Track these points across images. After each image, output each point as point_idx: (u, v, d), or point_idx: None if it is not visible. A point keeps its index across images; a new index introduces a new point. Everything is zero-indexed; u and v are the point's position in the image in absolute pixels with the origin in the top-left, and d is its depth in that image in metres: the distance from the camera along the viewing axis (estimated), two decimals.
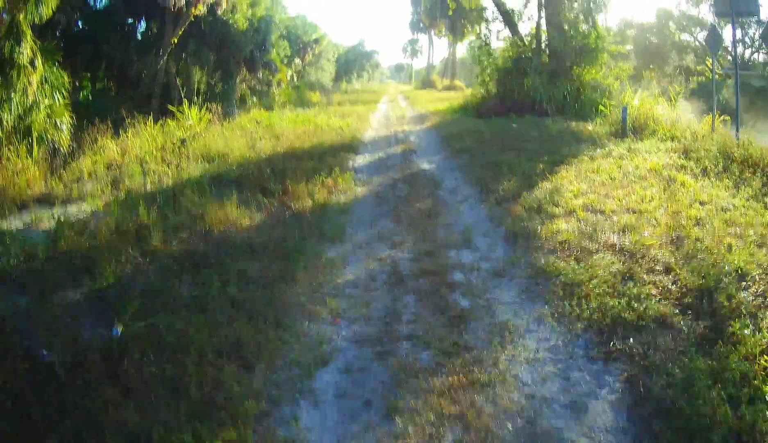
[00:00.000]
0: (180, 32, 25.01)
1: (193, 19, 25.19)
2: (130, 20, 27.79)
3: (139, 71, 27.16)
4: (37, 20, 11.03)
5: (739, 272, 4.54)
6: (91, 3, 23.16)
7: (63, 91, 11.55)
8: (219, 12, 25.22)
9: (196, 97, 27.30)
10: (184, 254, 5.03)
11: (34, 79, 10.77)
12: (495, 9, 17.91)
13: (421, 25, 45.76)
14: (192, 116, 13.46)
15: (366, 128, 14.90)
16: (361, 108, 20.82)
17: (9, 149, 8.70)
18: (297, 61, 38.44)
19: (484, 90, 17.89)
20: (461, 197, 7.26)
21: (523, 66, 16.10)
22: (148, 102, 25.83)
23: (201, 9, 24.70)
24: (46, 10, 10.90)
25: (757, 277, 4.44)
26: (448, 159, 10.03)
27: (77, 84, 26.68)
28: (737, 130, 10.15)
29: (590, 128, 12.75)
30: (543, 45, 16.50)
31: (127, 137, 10.98)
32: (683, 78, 26.03)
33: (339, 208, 6.74)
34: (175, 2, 22.75)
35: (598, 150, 9.96)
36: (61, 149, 11.01)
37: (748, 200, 6.62)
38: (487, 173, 8.11)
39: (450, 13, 22.47)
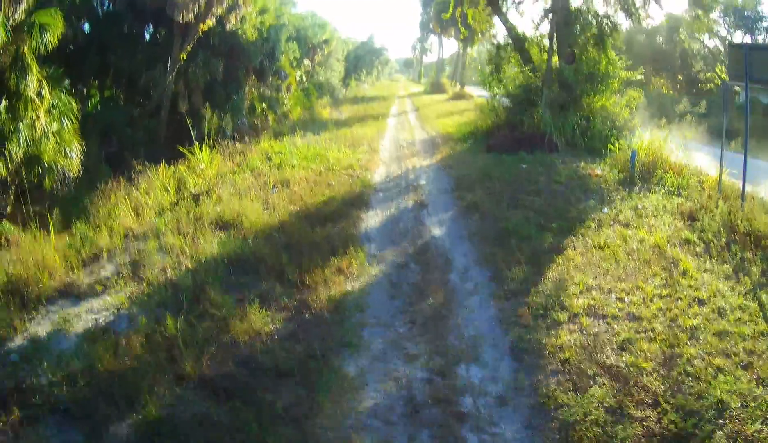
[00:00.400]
0: (188, 48, 25.30)
1: (201, 35, 25.45)
2: (137, 30, 28.02)
3: (148, 82, 27.50)
4: (42, 50, 11.02)
5: (720, 405, 5.03)
6: (98, 11, 23.37)
7: (71, 117, 11.71)
8: (228, 27, 25.45)
9: (204, 107, 27.76)
10: (216, 379, 5.56)
11: (42, 110, 10.90)
12: (506, 33, 18.08)
13: (431, 26, 45.69)
14: (203, 158, 13.93)
15: (376, 164, 15.29)
16: (371, 129, 21.11)
17: (26, 229, 9.14)
18: (306, 61, 38.61)
19: (494, 116, 18.15)
20: (472, 286, 7.71)
21: (534, 97, 16.34)
22: (157, 114, 26.30)
23: (210, 23, 24.94)
24: (51, 39, 11.00)
25: (734, 413, 4.93)
26: (459, 219, 10.45)
27: (85, 92, 27.15)
28: (743, 185, 10.44)
29: (599, 171, 13.06)
30: (553, 74, 16.69)
31: (140, 192, 11.44)
32: (691, 88, 26.02)
33: (355, 302, 7.22)
34: (183, 16, 23.05)
35: (605, 209, 10.34)
36: (71, 174, 11.38)
37: (745, 295, 7.03)
38: (496, 250, 8.55)
39: (459, 23, 22.56)
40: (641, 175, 12.62)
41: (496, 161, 14.23)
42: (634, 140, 14.90)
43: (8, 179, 10.35)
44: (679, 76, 27.90)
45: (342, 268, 8.03)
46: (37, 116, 11.39)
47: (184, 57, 24.98)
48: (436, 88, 45.43)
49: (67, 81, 13.08)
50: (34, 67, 11.20)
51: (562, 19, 16.36)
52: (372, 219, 10.62)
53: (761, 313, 6.63)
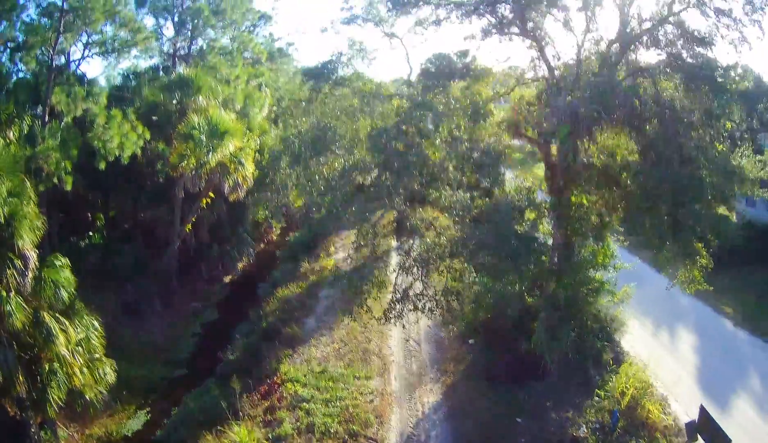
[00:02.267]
0: (193, 219, 28.25)
1: (204, 206, 28.39)
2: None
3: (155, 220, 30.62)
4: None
5: None
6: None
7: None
8: (231, 199, 28.13)
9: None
10: None
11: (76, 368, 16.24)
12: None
13: None
14: (242, 435, 16.70)
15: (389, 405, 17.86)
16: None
17: None
18: None
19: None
20: None
21: (528, 320, 18.55)
22: (170, 280, 29.54)
23: (211, 194, 27.83)
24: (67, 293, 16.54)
25: None
26: None
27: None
28: None
29: (582, 432, 15.47)
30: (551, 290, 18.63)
31: None
32: None
33: None
34: (185, 193, 25.95)
35: None
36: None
37: None
38: None
39: None
40: (626, 429, 15.00)
41: (492, 405, 16.69)
42: (621, 369, 17.19)
43: None
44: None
45: None
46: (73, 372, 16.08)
47: (189, 228, 28.03)
48: None
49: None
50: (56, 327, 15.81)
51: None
52: None
53: None
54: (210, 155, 22.38)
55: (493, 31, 16.45)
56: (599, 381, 17.51)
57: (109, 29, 24.71)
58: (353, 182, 16.59)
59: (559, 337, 17.90)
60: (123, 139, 22.01)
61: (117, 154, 22.03)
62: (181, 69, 26.93)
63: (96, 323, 18.37)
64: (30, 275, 16.49)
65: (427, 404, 18.03)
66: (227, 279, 34.48)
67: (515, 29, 16.68)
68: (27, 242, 16.69)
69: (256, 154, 29.39)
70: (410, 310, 16.41)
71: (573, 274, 17.78)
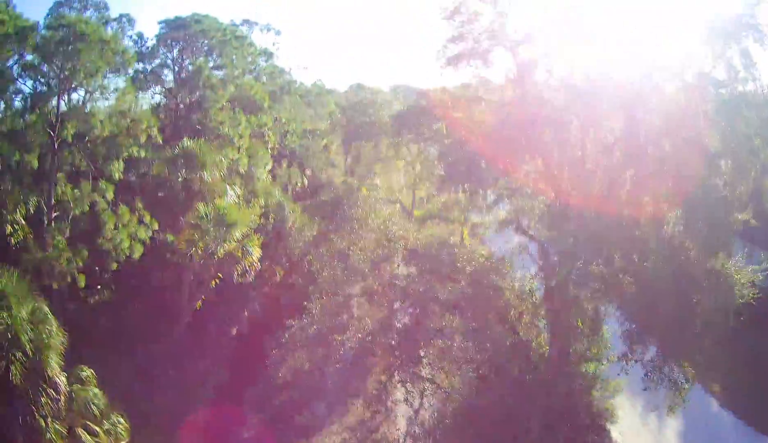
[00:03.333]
0: (203, 298, 29.85)
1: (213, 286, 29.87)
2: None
3: None
4: None
5: None
6: None
7: None
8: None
9: None
10: None
11: None
12: None
13: None
14: None
15: None
16: None
17: None
18: None
19: None
20: None
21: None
22: (180, 343, 31.17)
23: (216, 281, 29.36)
24: None
25: None
26: None
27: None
28: None
29: None
30: None
31: None
32: None
33: None
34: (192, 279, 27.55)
35: None
36: None
37: None
38: None
39: None
40: None
41: None
42: None
43: None
44: None
45: None
46: None
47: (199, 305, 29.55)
48: None
49: None
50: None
51: None
52: None
53: None
54: (218, 248, 23.77)
55: None
56: None
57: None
58: None
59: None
60: (132, 239, 23.39)
61: (127, 254, 23.41)
62: (186, 141, 28.03)
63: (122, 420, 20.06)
64: (62, 398, 18.12)
65: None
66: (234, 331, 35.98)
67: None
68: (56, 368, 18.24)
69: (261, 219, 30.77)
70: None
71: (566, 383, 19.38)
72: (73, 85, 23.79)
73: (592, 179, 17.46)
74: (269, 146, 39.57)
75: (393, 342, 18.18)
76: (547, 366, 19.57)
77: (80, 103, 24.91)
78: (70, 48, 23.10)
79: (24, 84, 25.20)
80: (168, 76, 34.78)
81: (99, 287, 34.99)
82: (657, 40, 15.40)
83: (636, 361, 17.51)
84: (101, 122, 23.20)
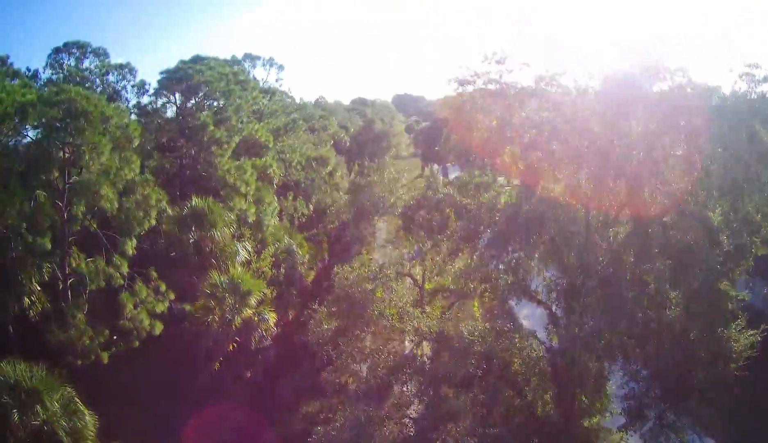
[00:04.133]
0: (221, 359, 30.71)
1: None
2: None
3: None
4: None
5: None
6: None
7: None
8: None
9: None
10: None
11: None
12: None
13: None
14: None
15: None
16: None
17: None
18: None
19: None
20: None
21: None
22: (199, 396, 32.20)
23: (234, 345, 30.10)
24: None
25: None
26: None
27: None
28: None
29: None
30: None
31: None
32: None
33: None
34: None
35: None
36: None
37: None
38: None
39: None
40: None
41: None
42: None
43: None
44: None
45: None
46: None
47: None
48: None
49: None
50: None
51: None
52: None
53: None
54: (236, 317, 24.63)
55: None
56: None
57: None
58: None
59: None
60: (151, 317, 24.28)
61: (148, 330, 24.34)
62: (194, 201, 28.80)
63: None
64: None
65: None
66: (248, 374, 37.05)
67: None
68: None
69: (272, 270, 31.63)
70: None
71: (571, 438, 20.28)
72: (79, 166, 24.37)
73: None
74: (274, 181, 40.27)
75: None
76: (552, 422, 20.47)
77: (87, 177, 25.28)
78: (71, 127, 23.44)
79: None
80: (172, 127, 35.48)
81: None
82: None
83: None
84: (110, 201, 23.82)
